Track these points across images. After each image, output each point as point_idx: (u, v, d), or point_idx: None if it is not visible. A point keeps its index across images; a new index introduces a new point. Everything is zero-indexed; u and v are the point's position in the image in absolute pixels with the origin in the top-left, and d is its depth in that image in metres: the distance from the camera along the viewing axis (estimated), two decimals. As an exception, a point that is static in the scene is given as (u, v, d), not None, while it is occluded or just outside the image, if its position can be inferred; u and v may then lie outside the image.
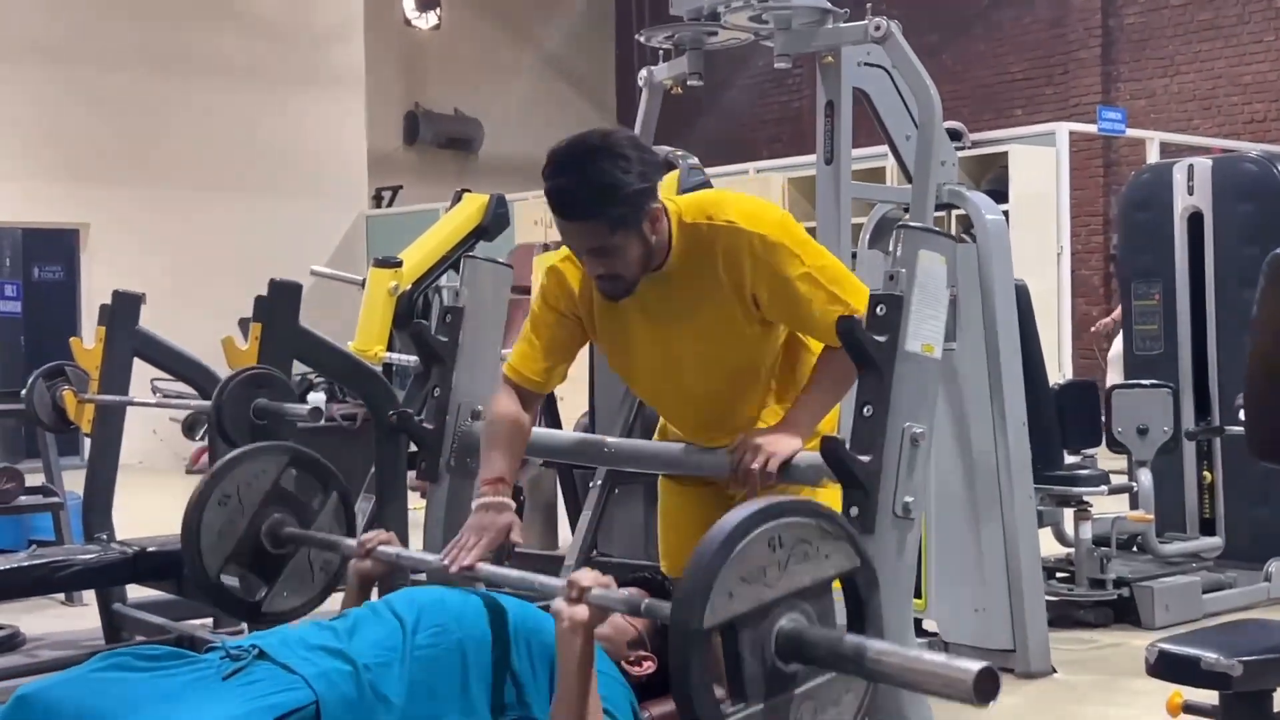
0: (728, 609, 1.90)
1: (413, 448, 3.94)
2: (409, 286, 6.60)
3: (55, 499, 6.34)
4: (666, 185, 6.47)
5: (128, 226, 13.10)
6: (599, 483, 5.93)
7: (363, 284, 6.63)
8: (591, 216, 2.58)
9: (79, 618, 5.42)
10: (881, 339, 2.41)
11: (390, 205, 15.35)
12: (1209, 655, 2.77)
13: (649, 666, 2.67)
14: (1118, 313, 10.84)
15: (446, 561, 2.68)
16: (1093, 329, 10.71)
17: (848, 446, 2.41)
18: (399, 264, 6.58)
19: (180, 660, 2.35)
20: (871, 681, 2.03)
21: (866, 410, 2.41)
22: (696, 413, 2.91)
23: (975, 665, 1.78)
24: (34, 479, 6.33)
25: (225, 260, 12.93)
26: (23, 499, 6.16)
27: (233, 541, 3.11)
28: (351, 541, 2.97)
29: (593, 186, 2.56)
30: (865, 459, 2.39)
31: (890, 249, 2.46)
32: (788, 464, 2.65)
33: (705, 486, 3.01)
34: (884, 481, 2.40)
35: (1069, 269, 9.17)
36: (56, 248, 13.57)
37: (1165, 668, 2.84)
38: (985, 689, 1.79)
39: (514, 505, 2.76)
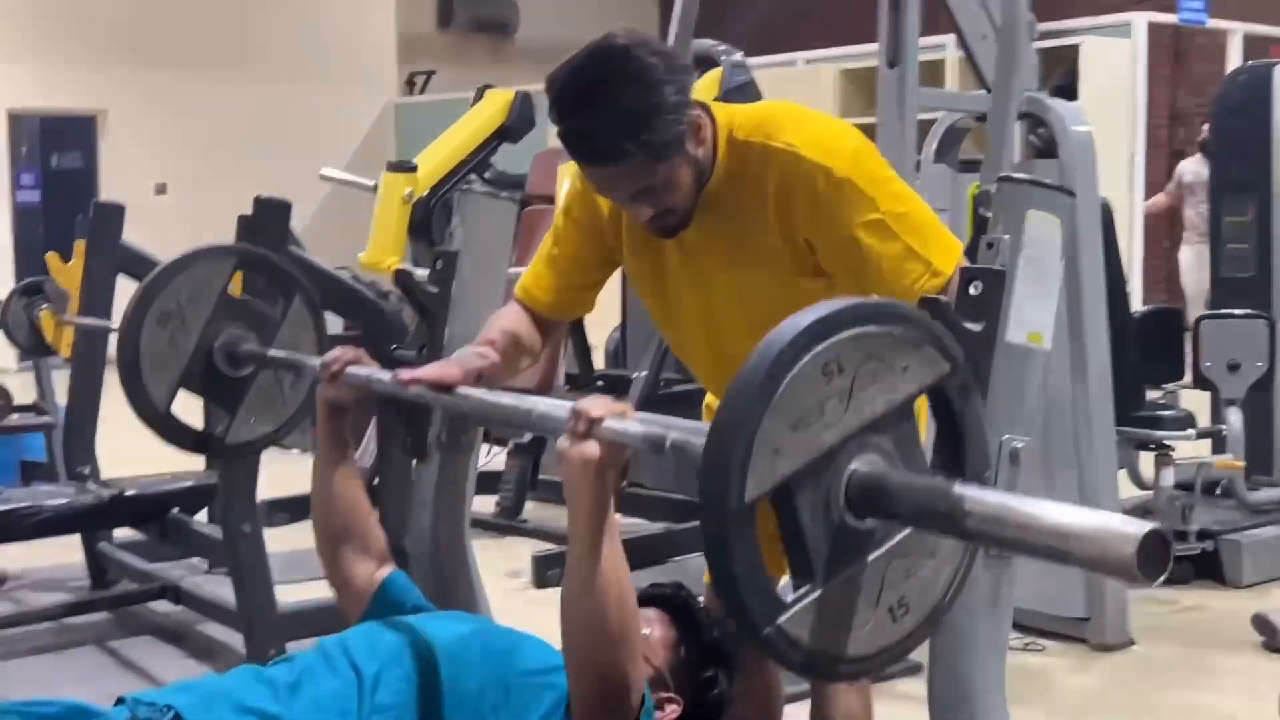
0: (774, 471, 1.39)
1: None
2: (425, 193, 6.09)
3: (47, 419, 5.88)
4: (707, 86, 5.89)
5: (147, 113, 12.67)
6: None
7: (375, 189, 6.13)
8: (627, 155, 2.02)
9: (65, 550, 4.99)
10: (976, 327, 1.87)
11: (423, 92, 14.73)
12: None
13: (674, 712, 2.16)
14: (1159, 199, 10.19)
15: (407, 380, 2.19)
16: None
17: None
18: (414, 169, 6.08)
19: (77, 726, 1.87)
20: (978, 545, 1.53)
21: (954, 420, 1.87)
22: (729, 374, 2.37)
23: (1138, 526, 1.19)
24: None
25: (248, 149, 12.50)
26: (13, 418, 5.74)
27: (179, 366, 2.68)
28: (314, 362, 2.47)
29: (622, 117, 2.00)
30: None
31: (989, 209, 1.89)
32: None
33: None
34: (975, 512, 1.86)
35: (1143, 172, 8.52)
36: (74, 135, 13.12)
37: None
38: (1151, 560, 1.19)
39: (500, 362, 2.26)
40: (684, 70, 2.08)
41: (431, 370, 2.18)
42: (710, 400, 2.55)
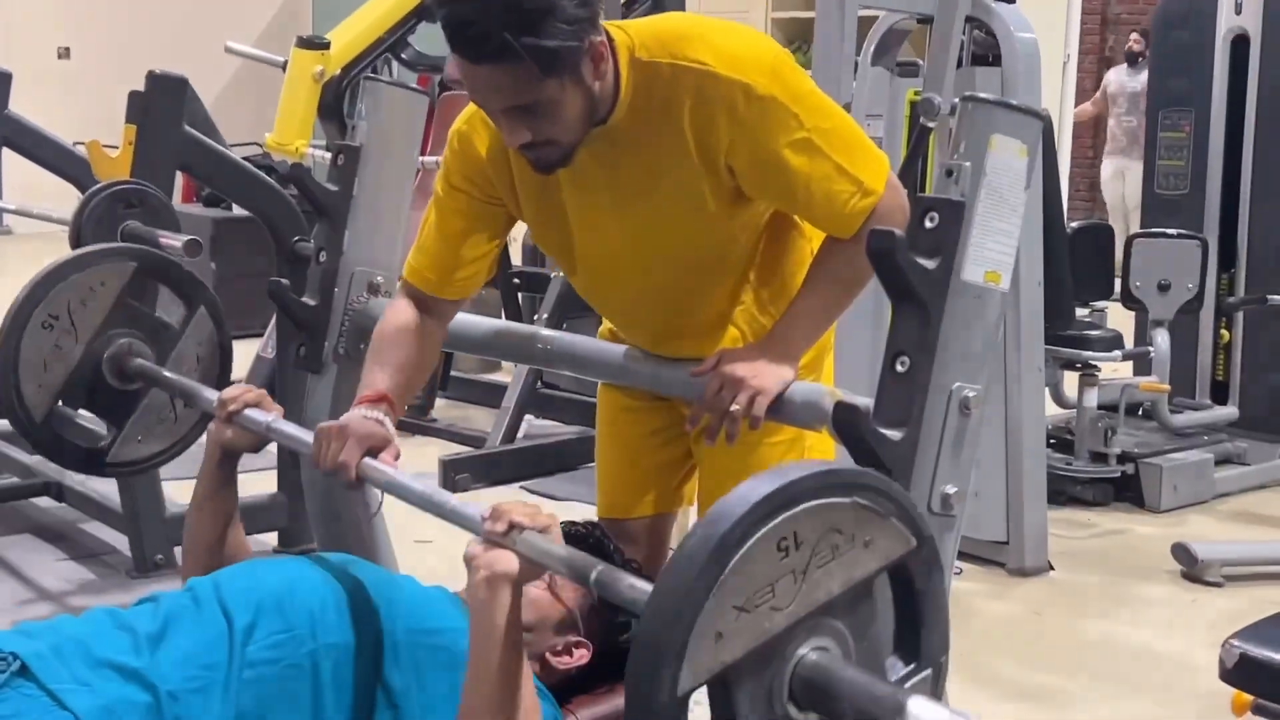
0: (715, 658, 1.24)
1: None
2: (337, 72, 5.77)
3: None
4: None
5: (46, -27, 12.06)
6: (545, 315, 5.24)
7: (285, 66, 5.81)
8: (509, 54, 1.74)
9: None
10: (930, 264, 1.68)
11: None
12: (1308, 668, 2.13)
13: (582, 655, 2.00)
14: (1085, 108, 10.07)
15: (318, 462, 1.97)
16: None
17: (871, 414, 1.70)
18: (326, 45, 5.76)
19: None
20: None
21: (901, 364, 1.69)
22: (647, 316, 2.17)
23: None
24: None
25: (158, 16, 12.00)
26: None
27: (64, 373, 2.47)
28: (211, 395, 2.26)
29: (510, 11, 1.72)
30: (895, 435, 1.68)
31: (930, 118, 1.70)
32: (778, 401, 1.94)
33: (658, 401, 2.30)
34: (919, 465, 1.69)
35: (1074, 79, 8.36)
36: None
37: (1246, 676, 2.20)
38: None
39: (393, 429, 2.00)
40: None
41: (335, 454, 1.94)
42: (609, 327, 2.35)
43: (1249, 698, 2.33)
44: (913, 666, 1.39)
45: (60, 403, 2.51)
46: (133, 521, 3.85)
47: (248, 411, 2.12)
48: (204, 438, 2.29)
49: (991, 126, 1.71)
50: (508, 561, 1.62)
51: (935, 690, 1.42)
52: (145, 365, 2.49)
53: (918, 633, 1.39)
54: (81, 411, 2.57)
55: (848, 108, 4.04)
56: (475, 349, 2.52)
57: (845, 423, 1.68)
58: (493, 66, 1.76)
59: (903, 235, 1.66)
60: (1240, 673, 2.20)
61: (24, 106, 4.99)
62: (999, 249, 1.71)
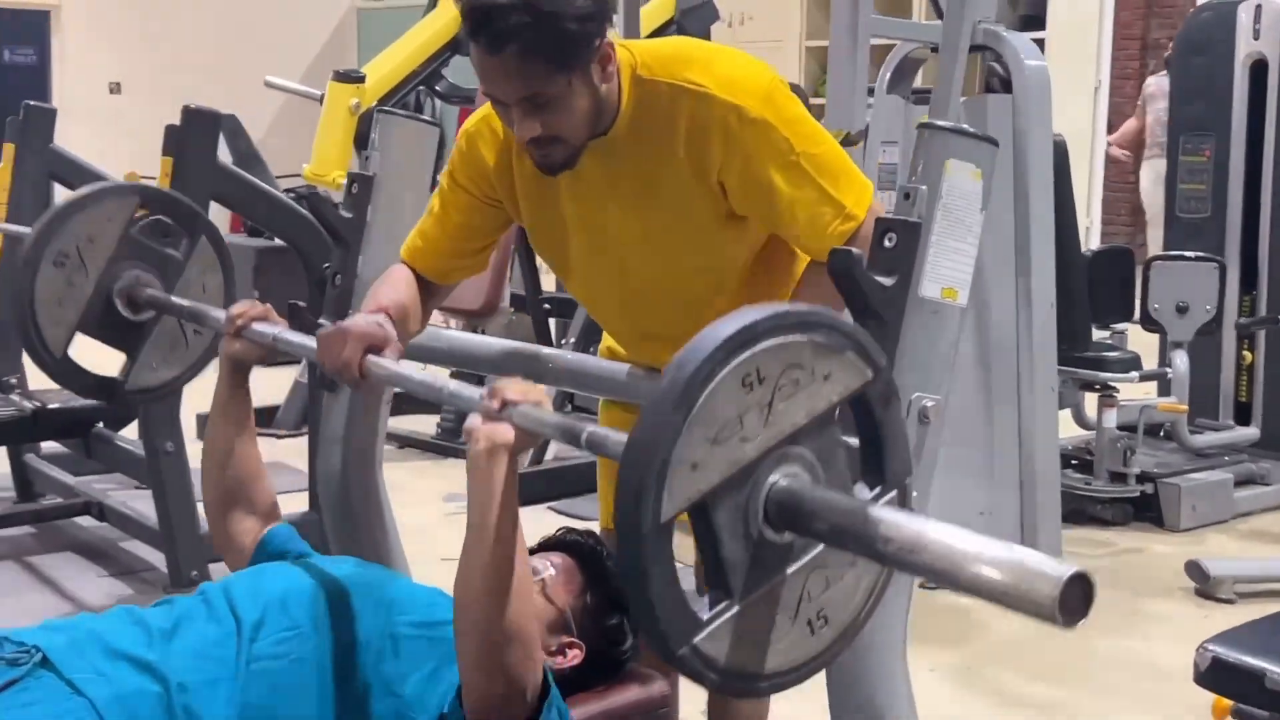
0: (692, 487, 1.33)
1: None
2: (373, 104, 5.94)
3: (-20, 324, 5.76)
4: (664, 2, 5.77)
5: (103, 9, 12.37)
6: (572, 340, 5.37)
7: (322, 99, 5.99)
8: (526, 47, 1.87)
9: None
10: (889, 281, 1.79)
11: (387, -4, 14.44)
12: (1278, 670, 2.20)
13: (575, 656, 2.10)
14: (1130, 124, 10.07)
15: (323, 361, 2.09)
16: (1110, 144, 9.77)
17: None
18: (362, 79, 5.94)
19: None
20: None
21: (862, 375, 1.80)
22: (640, 324, 2.29)
23: (1060, 570, 1.13)
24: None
25: (206, 51, 12.22)
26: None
27: (77, 309, 2.59)
28: (219, 313, 2.38)
29: (528, 4, 1.85)
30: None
31: (911, 157, 1.81)
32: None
33: None
34: (879, 471, 1.79)
35: (1106, 106, 8.42)
36: (27, 29, 12.79)
37: (1218, 679, 2.28)
38: (1074, 607, 1.14)
39: (393, 331, 2.10)
40: None
41: (339, 353, 2.05)
42: (611, 344, 2.47)
43: (1228, 703, 2.41)
44: (878, 489, 1.47)
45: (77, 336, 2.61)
46: (169, 539, 3.98)
47: (255, 325, 2.24)
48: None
49: (947, 152, 1.81)
50: (504, 432, 1.71)
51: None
52: (155, 294, 2.58)
53: (881, 458, 1.48)
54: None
55: (863, 134, 4.17)
56: (486, 368, 2.64)
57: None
58: (508, 57, 1.88)
59: (861, 254, 1.77)
60: (1212, 676, 2.28)
61: (77, 140, 5.19)
62: (955, 267, 1.82)
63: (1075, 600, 1.12)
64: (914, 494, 1.53)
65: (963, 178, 1.81)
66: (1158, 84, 10.01)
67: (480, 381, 5.84)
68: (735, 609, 1.36)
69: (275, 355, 2.27)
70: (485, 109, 2.16)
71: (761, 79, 2.04)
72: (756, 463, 1.37)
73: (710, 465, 1.33)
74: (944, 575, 1.22)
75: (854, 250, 1.77)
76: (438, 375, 1.96)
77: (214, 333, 2.56)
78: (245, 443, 2.25)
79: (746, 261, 2.20)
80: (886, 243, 1.79)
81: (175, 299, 2.57)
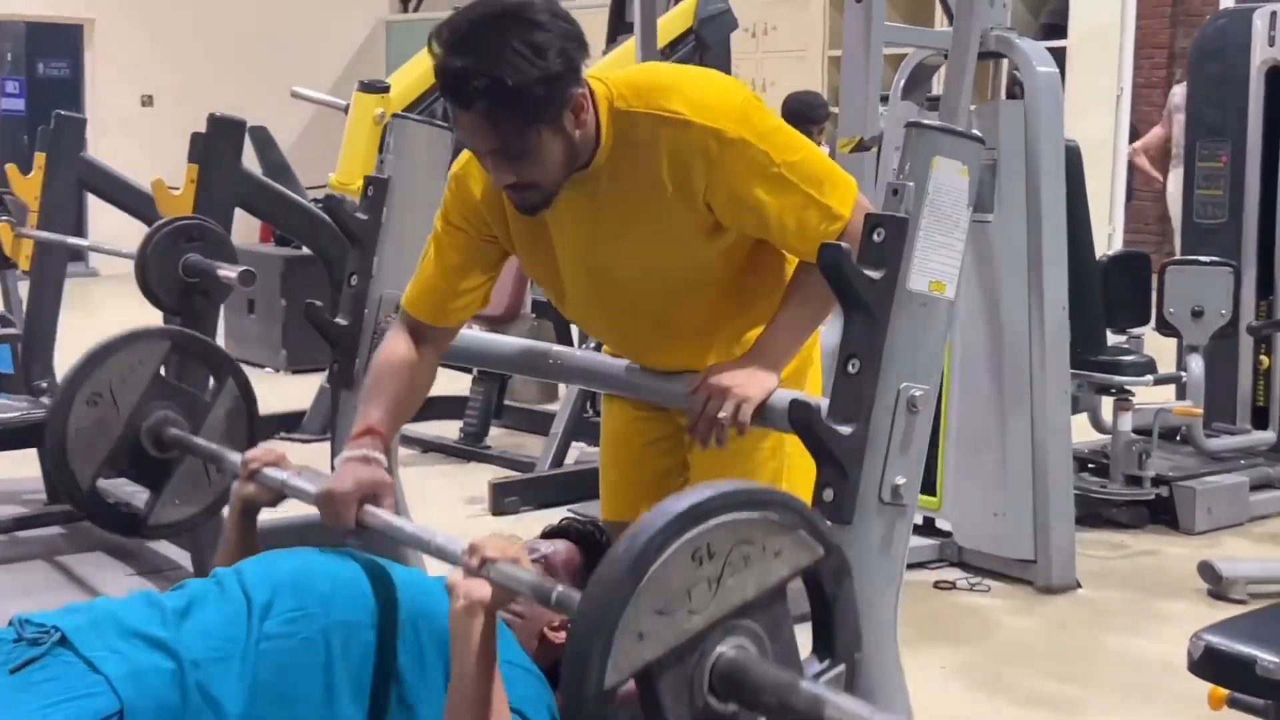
0: (637, 656, 1.42)
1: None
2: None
3: (13, 330, 5.86)
4: (682, 13, 5.83)
5: (135, 24, 12.56)
6: (591, 345, 5.43)
7: (347, 109, 6.07)
8: (495, 106, 1.95)
9: (25, 463, 4.99)
10: (876, 274, 1.85)
11: (416, 10, 14.57)
12: (1267, 658, 2.25)
13: None
14: (1156, 132, 10.07)
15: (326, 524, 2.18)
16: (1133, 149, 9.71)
17: (825, 412, 1.87)
18: (386, 89, 5.99)
19: (-33, 643, 1.87)
20: None
21: (852, 365, 1.86)
22: (630, 334, 2.36)
23: None
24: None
25: (236, 63, 12.38)
26: (-22, 330, 5.72)
27: (107, 445, 2.67)
28: (236, 457, 2.46)
29: (497, 67, 1.93)
30: (846, 430, 1.85)
31: (897, 152, 1.87)
32: (762, 408, 2.11)
33: (658, 412, 2.48)
34: (869, 459, 1.86)
35: (1128, 114, 8.45)
36: (61, 43, 12.99)
37: (1211, 668, 2.32)
38: None
39: (385, 462, 2.20)
40: (576, 42, 2.00)
41: (334, 516, 2.14)
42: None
43: (1224, 692, 2.46)
44: (827, 663, 1.56)
45: (104, 471, 2.69)
46: (195, 539, 4.06)
47: (266, 470, 2.31)
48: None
49: (934, 149, 1.87)
50: (481, 589, 1.82)
51: (849, 685, 1.59)
52: (180, 434, 2.68)
53: (831, 633, 1.57)
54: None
55: (877, 140, 4.22)
56: (498, 366, 2.73)
57: (800, 419, 1.85)
58: (476, 115, 1.97)
59: (849, 248, 1.83)
60: (1204, 664, 2.33)
61: (110, 151, 5.30)
62: (942, 261, 1.88)
63: None
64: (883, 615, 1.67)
65: (949, 174, 1.87)
66: (1182, 93, 10.01)
67: (498, 376, 5.90)
68: None
69: (286, 497, 2.34)
70: (469, 151, 2.24)
71: (734, 98, 2.10)
72: (703, 634, 1.45)
73: (656, 636, 1.41)
74: None
75: (842, 245, 1.84)
76: (422, 529, 2.06)
77: (231, 477, 2.64)
78: None
79: (734, 266, 2.26)
80: (875, 237, 1.86)
81: (199, 440, 2.66)
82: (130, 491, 2.81)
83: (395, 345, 2.33)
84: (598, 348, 5.19)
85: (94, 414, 2.63)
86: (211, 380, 2.81)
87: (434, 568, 2.81)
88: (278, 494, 2.32)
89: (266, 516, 2.40)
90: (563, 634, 2.16)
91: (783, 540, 1.51)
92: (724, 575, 1.46)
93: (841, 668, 1.57)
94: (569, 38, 1.98)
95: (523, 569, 1.81)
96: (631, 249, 2.18)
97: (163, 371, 2.77)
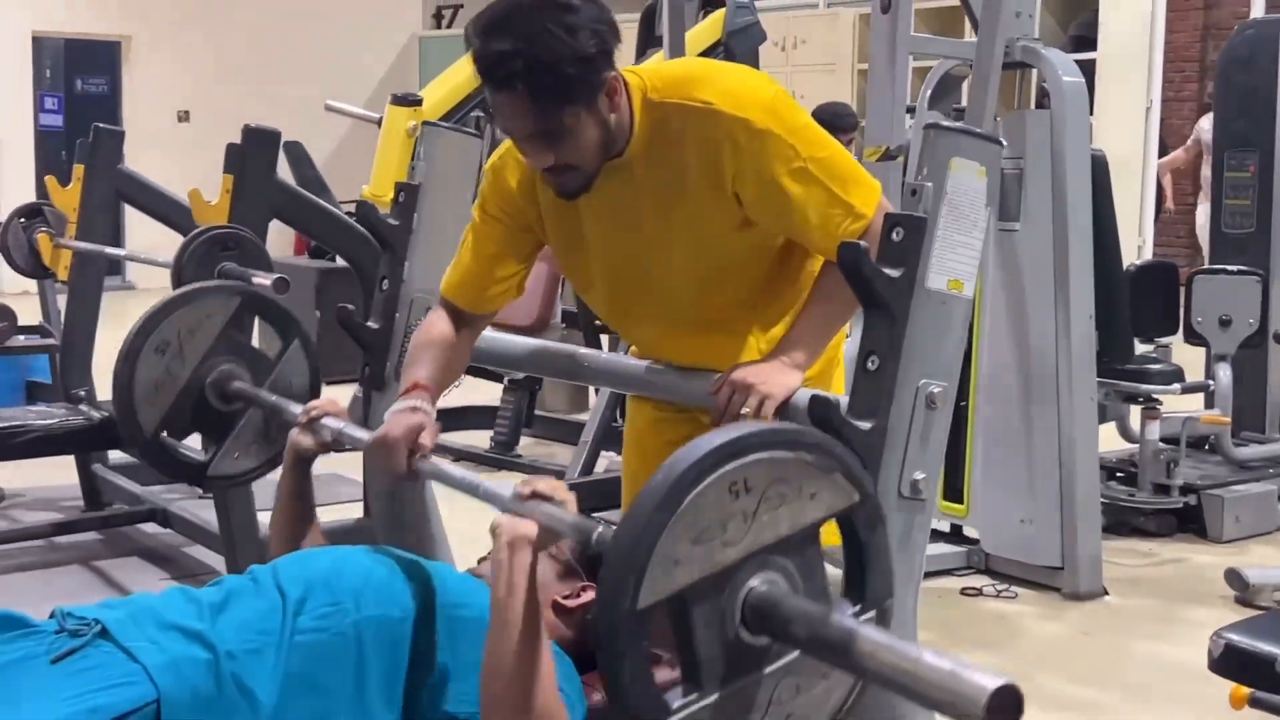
0: (671, 581, 1.43)
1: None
2: (429, 126, 6.08)
3: (51, 340, 5.94)
4: (710, 27, 5.88)
5: (171, 40, 12.71)
6: (623, 350, 5.48)
7: (380, 123, 6.14)
8: (535, 89, 2.03)
9: (63, 471, 5.07)
10: (895, 273, 1.89)
11: (450, 26, 14.68)
12: (1288, 656, 2.27)
13: (589, 596, 2.18)
14: (1178, 155, 10.05)
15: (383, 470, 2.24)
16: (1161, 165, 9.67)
17: (844, 408, 1.91)
18: (419, 101, 6.07)
19: (9, 633, 1.92)
20: (860, 679, 1.57)
21: (871, 362, 1.90)
22: (664, 332, 2.41)
23: (991, 681, 1.30)
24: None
25: (272, 79, 12.51)
26: (18, 339, 5.79)
27: (171, 395, 2.72)
28: (296, 408, 2.51)
29: (535, 49, 2.00)
30: (865, 425, 1.89)
31: (915, 154, 1.91)
32: (786, 405, 2.14)
33: (682, 412, 2.52)
34: (889, 455, 1.90)
35: (1158, 126, 8.44)
36: (99, 60, 13.15)
37: (1231, 665, 2.35)
38: (1000, 712, 1.31)
39: (433, 414, 2.27)
40: (609, 26, 2.07)
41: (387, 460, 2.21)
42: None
43: (1246, 691, 2.48)
44: (859, 607, 1.57)
45: (168, 422, 2.74)
46: (229, 544, 4.12)
47: (325, 419, 2.37)
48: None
49: (952, 150, 1.91)
50: (527, 527, 1.83)
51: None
52: (243, 387, 2.73)
53: (864, 578, 1.58)
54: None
55: (903, 149, 4.26)
56: (528, 367, 2.77)
57: (820, 414, 1.89)
58: (516, 97, 2.03)
59: (868, 247, 1.87)
60: (1224, 662, 2.35)
61: (146, 166, 5.36)
62: (960, 260, 1.91)
63: (1002, 708, 1.30)
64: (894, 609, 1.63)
65: (967, 175, 1.91)
66: (1209, 130, 9.99)
67: (528, 386, 5.91)
68: (703, 703, 1.46)
69: (339, 448, 2.40)
70: (507, 142, 2.30)
71: (765, 91, 2.16)
72: (737, 566, 1.47)
73: (690, 563, 1.43)
74: (906, 691, 1.34)
75: (861, 243, 1.88)
76: (472, 475, 2.11)
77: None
78: (312, 537, 2.39)
79: (762, 265, 2.31)
80: (894, 237, 1.89)
81: (262, 393, 2.71)
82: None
83: (436, 323, 2.41)
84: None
85: (161, 363, 2.68)
86: (279, 340, 2.85)
87: (463, 562, 2.87)
88: (333, 442, 2.37)
89: (323, 519, 2.46)
90: (574, 599, 2.18)
91: (819, 483, 1.52)
92: (759, 510, 1.47)
93: (873, 613, 1.58)
94: (601, 21, 2.05)
95: (569, 511, 1.84)
96: (661, 239, 2.23)
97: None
